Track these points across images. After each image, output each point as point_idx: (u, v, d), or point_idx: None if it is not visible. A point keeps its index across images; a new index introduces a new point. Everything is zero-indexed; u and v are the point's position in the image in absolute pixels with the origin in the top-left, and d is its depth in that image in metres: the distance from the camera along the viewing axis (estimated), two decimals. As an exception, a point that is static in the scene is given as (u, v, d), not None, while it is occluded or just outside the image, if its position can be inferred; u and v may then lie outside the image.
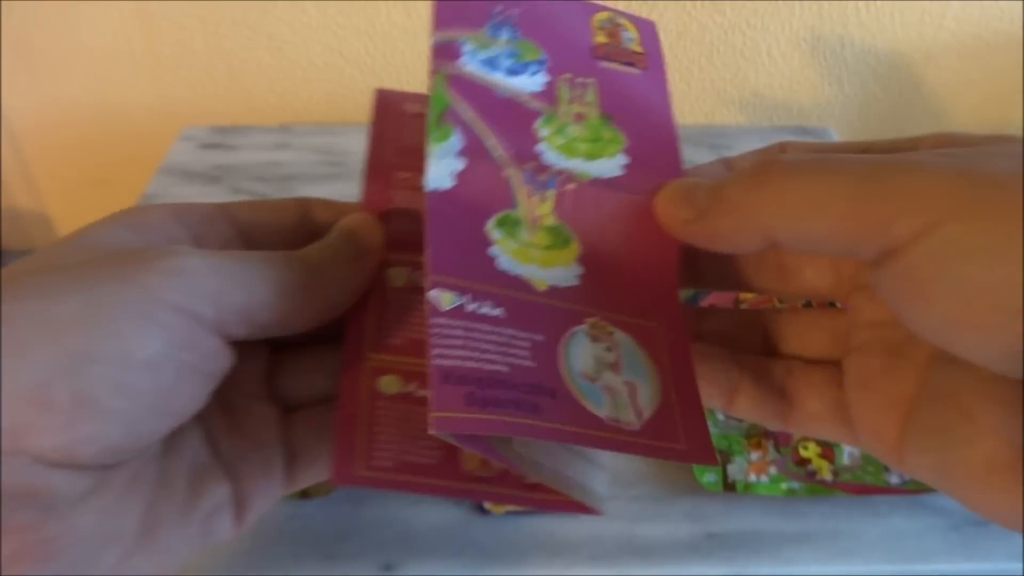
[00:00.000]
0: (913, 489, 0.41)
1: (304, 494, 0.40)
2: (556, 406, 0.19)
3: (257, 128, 0.73)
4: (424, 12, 0.71)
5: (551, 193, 0.23)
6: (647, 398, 0.21)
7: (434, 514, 0.41)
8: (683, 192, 0.20)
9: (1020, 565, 0.39)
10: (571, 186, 0.23)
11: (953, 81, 0.76)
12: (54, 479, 0.17)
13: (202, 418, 0.21)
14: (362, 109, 0.78)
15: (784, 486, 0.41)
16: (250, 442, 0.22)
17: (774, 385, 0.22)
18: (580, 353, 0.21)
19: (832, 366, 0.22)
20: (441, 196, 0.22)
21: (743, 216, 0.18)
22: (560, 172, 0.23)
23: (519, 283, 0.21)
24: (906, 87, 0.76)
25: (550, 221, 0.23)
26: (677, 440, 0.20)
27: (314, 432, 0.23)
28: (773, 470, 0.41)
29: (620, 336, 0.21)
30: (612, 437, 0.20)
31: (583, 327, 0.21)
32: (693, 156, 0.68)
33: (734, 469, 0.42)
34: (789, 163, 0.17)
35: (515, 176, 0.23)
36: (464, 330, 0.19)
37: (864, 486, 0.41)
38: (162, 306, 0.18)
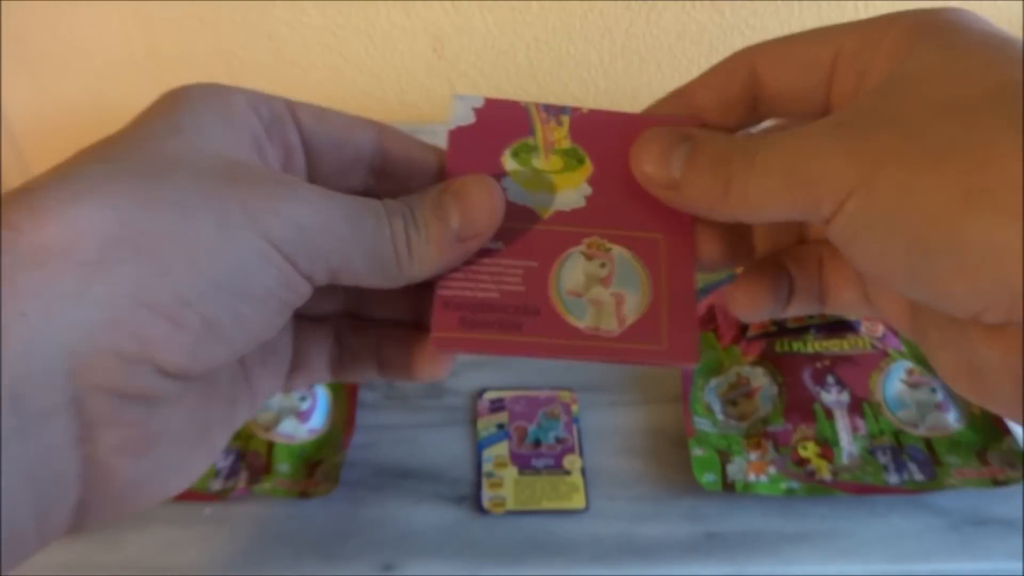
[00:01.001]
0: (912, 489, 0.41)
1: (304, 494, 0.40)
2: (538, 323, 0.23)
3: (257, 128, 0.73)
4: (423, 12, 0.71)
5: (566, 118, 0.25)
6: (633, 306, 0.23)
7: (434, 514, 0.41)
8: (664, 156, 0.22)
9: (1020, 565, 0.39)
10: (586, 110, 0.25)
11: (953, 81, 0.76)
12: (164, 385, 0.19)
13: None
14: (362, 109, 0.78)
15: (783, 486, 0.41)
16: (269, 350, 0.24)
17: (814, 284, 0.25)
18: (571, 272, 0.23)
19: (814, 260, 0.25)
20: (461, 131, 0.24)
21: (713, 204, 0.22)
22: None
23: (525, 213, 0.24)
24: (906, 87, 0.76)
25: (565, 144, 0.25)
26: (658, 341, 0.23)
27: (314, 343, 0.26)
28: (772, 470, 0.42)
29: (617, 251, 0.24)
30: (589, 345, 0.23)
31: (579, 247, 0.24)
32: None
33: (733, 469, 0.42)
34: (739, 166, 0.21)
35: (532, 107, 0.25)
36: (464, 264, 0.23)
37: (863, 486, 0.41)
38: (277, 249, 0.20)
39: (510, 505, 0.41)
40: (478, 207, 0.22)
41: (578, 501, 0.41)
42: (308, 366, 0.26)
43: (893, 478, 0.41)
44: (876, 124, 0.18)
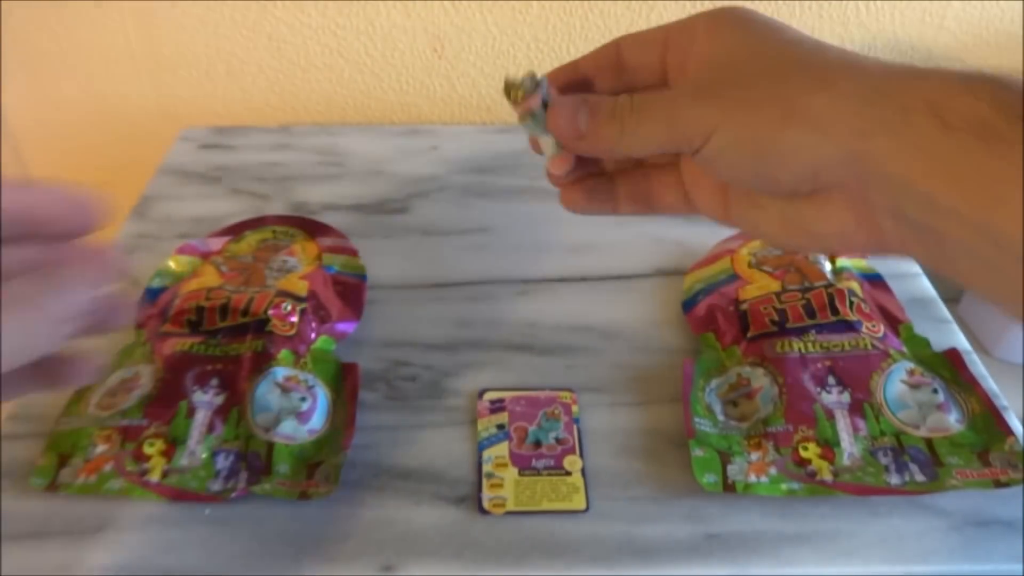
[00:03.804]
0: (913, 490, 0.41)
1: (304, 495, 0.40)
2: None
3: (257, 129, 0.73)
4: (423, 12, 0.71)
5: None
6: None
7: (434, 515, 0.41)
8: (572, 115, 0.30)
9: (1020, 566, 0.39)
10: None
11: (953, 81, 0.76)
12: None
13: None
14: (362, 109, 0.78)
15: (784, 487, 0.41)
16: None
17: (641, 190, 0.33)
18: None
19: (675, 169, 0.33)
20: None
21: (611, 143, 0.29)
22: None
23: None
24: (906, 87, 0.76)
25: None
26: None
27: None
28: (773, 471, 0.41)
29: None
30: None
31: None
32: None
33: (734, 470, 0.41)
34: (629, 116, 0.29)
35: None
36: None
37: (864, 487, 0.41)
38: None
39: (510, 506, 0.41)
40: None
41: (578, 502, 0.41)
42: None
43: (894, 479, 0.41)
44: (723, 84, 0.28)
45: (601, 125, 0.29)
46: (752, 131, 0.27)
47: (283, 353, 0.46)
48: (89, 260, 0.25)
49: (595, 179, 0.34)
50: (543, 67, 0.75)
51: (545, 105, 0.31)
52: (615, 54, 0.32)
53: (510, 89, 0.31)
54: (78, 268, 0.25)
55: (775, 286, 0.51)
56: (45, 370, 0.27)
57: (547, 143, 0.32)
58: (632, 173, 0.34)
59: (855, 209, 0.26)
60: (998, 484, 0.40)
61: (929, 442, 0.43)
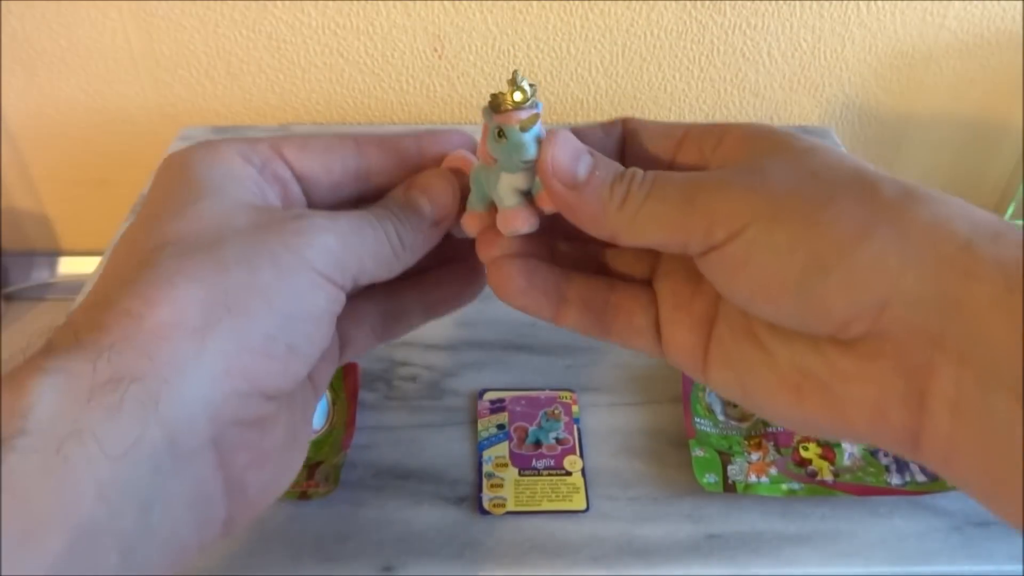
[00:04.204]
0: (914, 490, 0.41)
1: (304, 495, 0.40)
2: None
3: (256, 128, 0.73)
4: (423, 12, 0.71)
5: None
6: None
7: (434, 515, 0.40)
8: (572, 157, 0.24)
9: (1021, 566, 0.39)
10: None
11: (954, 81, 0.76)
12: (269, 407, 0.24)
13: None
14: (362, 109, 0.78)
15: (784, 487, 0.41)
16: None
17: (600, 299, 0.27)
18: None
19: (648, 289, 0.27)
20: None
21: (601, 214, 0.24)
22: None
23: None
24: (907, 87, 0.76)
25: None
26: None
27: (355, 322, 0.29)
28: (773, 471, 0.41)
29: None
30: None
31: None
32: (693, 156, 0.68)
33: (734, 470, 0.41)
34: (637, 188, 0.23)
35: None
36: None
37: (865, 487, 0.41)
38: (320, 274, 0.24)
39: (510, 506, 0.41)
40: (441, 194, 0.28)
41: (579, 502, 0.41)
42: (353, 343, 0.30)
43: (895, 479, 0.41)
44: (765, 179, 0.22)
45: (600, 185, 0.24)
46: (813, 232, 0.20)
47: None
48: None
49: (542, 263, 0.27)
50: (543, 67, 0.75)
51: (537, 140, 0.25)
52: (622, 132, 0.28)
53: (505, 94, 0.25)
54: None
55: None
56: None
57: (510, 186, 0.26)
58: (592, 277, 0.28)
59: (909, 376, 0.20)
60: (999, 484, 0.40)
61: (930, 442, 0.43)
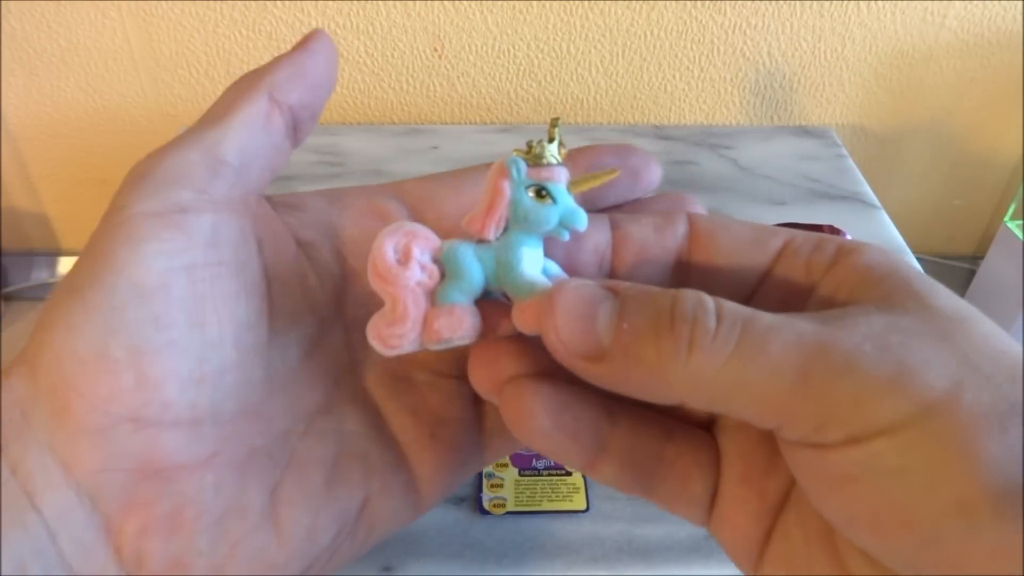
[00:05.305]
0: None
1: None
2: None
3: (257, 128, 0.73)
4: (423, 12, 0.71)
5: None
6: None
7: (434, 515, 0.40)
8: (585, 316, 0.16)
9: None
10: None
11: (954, 80, 0.76)
12: (167, 442, 0.18)
13: (339, 413, 0.21)
14: (362, 109, 0.78)
15: (785, 487, 0.41)
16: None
17: (650, 453, 0.19)
18: None
19: (710, 438, 0.19)
20: None
21: (653, 378, 0.16)
22: None
23: None
24: (907, 87, 0.76)
25: None
26: None
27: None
28: (774, 471, 0.41)
29: None
30: None
31: None
32: (694, 156, 0.68)
33: (735, 470, 0.41)
34: (714, 339, 0.15)
35: None
36: None
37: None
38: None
39: (510, 506, 0.41)
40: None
41: (579, 502, 0.41)
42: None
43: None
44: (910, 367, 0.15)
45: (647, 335, 0.16)
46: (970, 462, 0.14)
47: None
48: None
49: (574, 391, 0.18)
50: (543, 67, 0.75)
51: (562, 221, 0.18)
52: (683, 234, 0.19)
53: (542, 144, 0.18)
54: None
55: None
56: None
57: (535, 262, 0.18)
58: (641, 416, 0.19)
59: None
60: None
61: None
